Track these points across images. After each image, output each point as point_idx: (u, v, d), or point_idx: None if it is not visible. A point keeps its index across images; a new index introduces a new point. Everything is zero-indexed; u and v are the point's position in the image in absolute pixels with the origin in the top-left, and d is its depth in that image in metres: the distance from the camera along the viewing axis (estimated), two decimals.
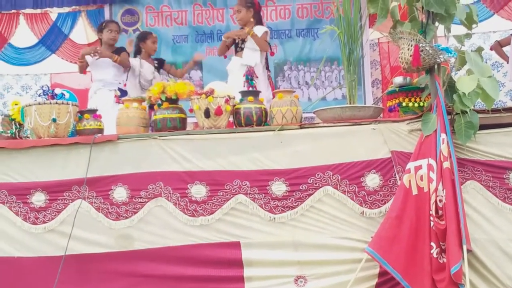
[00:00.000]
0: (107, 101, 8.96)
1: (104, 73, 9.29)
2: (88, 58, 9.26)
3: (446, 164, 5.67)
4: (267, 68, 9.03)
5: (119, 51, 9.43)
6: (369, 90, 11.05)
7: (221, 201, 6.26)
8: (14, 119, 7.05)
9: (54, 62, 12.10)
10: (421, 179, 5.76)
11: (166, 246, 6.29)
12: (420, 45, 5.86)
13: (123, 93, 9.24)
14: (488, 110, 6.05)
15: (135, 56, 9.76)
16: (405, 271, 5.67)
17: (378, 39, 11.85)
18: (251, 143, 6.33)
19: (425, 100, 6.32)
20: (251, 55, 8.62)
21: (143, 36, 9.92)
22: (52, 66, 12.26)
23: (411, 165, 5.83)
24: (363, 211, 6.10)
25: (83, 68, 9.41)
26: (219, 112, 6.44)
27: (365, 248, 5.81)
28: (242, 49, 8.78)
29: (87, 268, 6.35)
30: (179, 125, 6.67)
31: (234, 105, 6.62)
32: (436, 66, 5.99)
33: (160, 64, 10.05)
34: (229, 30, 10.80)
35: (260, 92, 7.05)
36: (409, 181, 5.78)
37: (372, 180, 6.12)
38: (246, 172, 6.28)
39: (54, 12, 12.03)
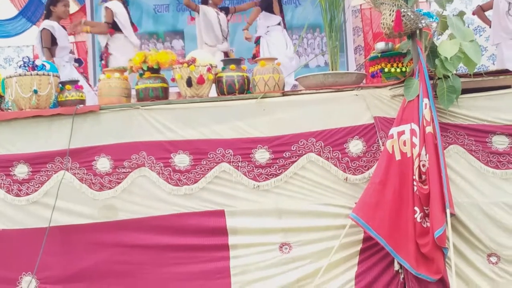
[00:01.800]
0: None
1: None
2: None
3: (429, 129, 5.68)
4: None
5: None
6: (351, 56, 11.07)
7: (205, 170, 6.26)
8: None
9: (35, 33, 12.00)
10: (404, 144, 5.77)
11: (150, 215, 6.30)
12: (402, 10, 5.85)
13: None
14: (470, 74, 6.06)
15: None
16: (389, 236, 5.70)
17: (360, 5, 11.86)
18: (234, 112, 6.32)
19: (407, 66, 6.33)
20: None
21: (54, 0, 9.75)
22: (34, 37, 12.16)
23: (394, 131, 5.84)
24: (346, 177, 6.11)
25: None
26: (201, 80, 6.42)
27: (349, 214, 5.83)
28: None
29: (72, 239, 6.35)
30: (161, 95, 6.65)
31: (216, 74, 6.59)
32: (418, 31, 5.99)
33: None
34: None
35: (242, 59, 7.03)
36: (392, 146, 5.80)
37: (355, 146, 6.12)
38: (229, 140, 6.27)
39: None
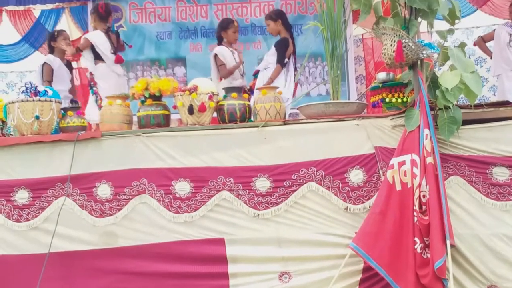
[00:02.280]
0: None
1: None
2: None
3: (429, 160, 5.69)
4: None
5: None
6: (353, 85, 11.07)
7: (205, 197, 6.26)
8: None
9: (38, 59, 12.03)
10: (405, 174, 5.77)
11: (150, 243, 6.29)
12: (403, 40, 5.88)
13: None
14: (471, 106, 6.07)
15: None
16: (389, 266, 5.68)
17: (362, 35, 11.87)
18: (235, 140, 6.33)
19: (408, 96, 6.35)
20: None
21: (53, 35, 9.77)
22: (36, 63, 12.17)
23: (394, 161, 5.84)
24: (347, 207, 6.11)
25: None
26: (202, 108, 6.44)
27: (349, 243, 5.81)
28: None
29: (71, 265, 6.34)
30: (163, 122, 6.66)
31: (218, 102, 6.61)
32: (419, 62, 6.01)
33: None
34: (213, 26, 10.82)
35: (243, 88, 7.06)
36: (393, 176, 5.79)
37: (356, 175, 6.13)
38: (230, 168, 6.28)
39: (37, 9, 11.98)
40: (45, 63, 9.41)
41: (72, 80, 9.82)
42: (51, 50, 9.65)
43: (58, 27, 11.62)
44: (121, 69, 9.47)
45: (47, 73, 9.28)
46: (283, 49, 8.70)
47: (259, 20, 10.98)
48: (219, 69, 8.86)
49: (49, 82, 9.16)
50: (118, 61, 9.23)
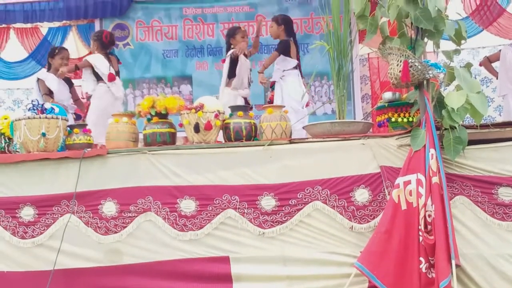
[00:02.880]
0: None
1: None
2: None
3: (435, 179, 5.68)
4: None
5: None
6: (358, 105, 11.08)
7: (211, 215, 6.26)
8: (3, 134, 7.02)
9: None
10: (410, 194, 5.77)
11: (155, 260, 6.28)
12: (409, 60, 5.89)
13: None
14: (476, 126, 6.07)
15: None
16: (394, 285, 5.67)
17: (368, 54, 11.90)
18: (241, 158, 6.34)
19: (414, 116, 6.35)
20: None
21: (52, 52, 9.82)
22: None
23: (400, 180, 5.84)
24: (352, 226, 6.10)
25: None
26: (208, 127, 6.45)
27: (354, 263, 5.81)
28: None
29: (76, 282, 6.34)
30: (169, 140, 6.68)
31: (224, 120, 6.62)
32: (425, 82, 6.02)
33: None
34: (220, 45, 10.92)
35: (249, 106, 7.08)
36: (398, 196, 5.79)
37: (361, 195, 6.12)
38: (235, 186, 6.28)
39: (44, 27, 12.05)
40: (38, 79, 9.53)
41: (73, 93, 9.77)
42: (49, 66, 9.70)
43: (65, 45, 11.67)
44: (122, 93, 9.53)
45: (43, 87, 9.35)
46: (283, 47, 8.81)
47: (265, 39, 10.99)
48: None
49: (48, 94, 9.19)
50: (111, 79, 9.26)
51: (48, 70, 9.67)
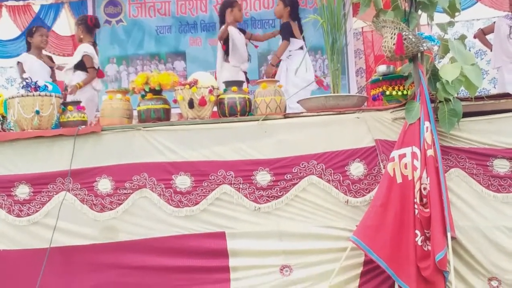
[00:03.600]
0: None
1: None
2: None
3: (430, 152, 5.68)
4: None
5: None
6: (353, 79, 11.07)
7: (206, 191, 6.26)
8: None
9: None
10: (405, 167, 5.77)
11: (151, 237, 6.29)
12: (403, 33, 5.87)
13: None
14: (471, 98, 6.06)
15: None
16: (390, 259, 5.68)
17: (362, 28, 11.91)
18: (235, 133, 6.33)
19: (408, 89, 6.33)
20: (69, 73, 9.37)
21: (30, 31, 9.74)
22: None
23: (395, 154, 5.84)
24: (347, 200, 6.11)
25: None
26: (203, 102, 6.44)
27: (350, 236, 5.81)
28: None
29: (72, 260, 6.35)
30: (163, 116, 6.66)
31: (218, 95, 6.61)
32: (419, 55, 6.00)
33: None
34: (213, 20, 10.91)
35: (244, 82, 7.08)
36: (394, 169, 5.79)
37: (357, 169, 6.13)
38: (230, 162, 6.28)
39: (36, 4, 12.01)
40: (18, 62, 9.51)
41: (53, 76, 9.70)
42: (28, 47, 9.65)
43: (57, 22, 11.72)
44: (101, 86, 9.51)
45: (21, 70, 9.31)
46: (287, 30, 8.82)
47: (258, 14, 10.99)
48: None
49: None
50: (100, 75, 9.27)
51: (28, 51, 9.62)
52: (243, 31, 9.60)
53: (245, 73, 9.26)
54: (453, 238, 5.62)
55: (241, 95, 6.60)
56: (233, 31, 9.16)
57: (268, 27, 10.80)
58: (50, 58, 9.90)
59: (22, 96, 6.54)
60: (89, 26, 9.39)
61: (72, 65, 9.28)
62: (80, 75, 9.19)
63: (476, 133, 6.00)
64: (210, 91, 6.48)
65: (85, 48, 9.32)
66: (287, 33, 8.97)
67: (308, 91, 8.14)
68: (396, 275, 5.68)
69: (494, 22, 10.34)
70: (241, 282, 6.17)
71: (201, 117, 6.49)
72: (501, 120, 6.02)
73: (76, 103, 6.91)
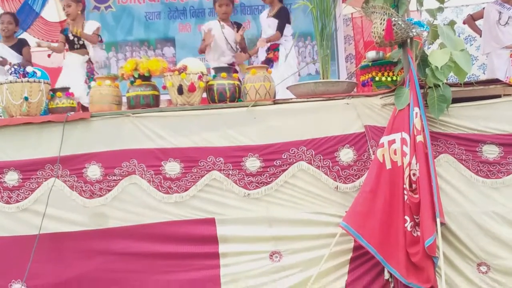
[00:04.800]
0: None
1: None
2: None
3: (419, 138, 5.70)
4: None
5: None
6: (342, 65, 11.05)
7: (195, 177, 6.26)
8: None
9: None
10: (395, 153, 5.79)
11: (140, 223, 6.29)
12: (393, 19, 5.87)
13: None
14: (460, 84, 6.07)
15: None
16: (379, 245, 5.70)
17: (352, 14, 11.89)
18: (225, 120, 6.32)
19: (398, 74, 6.33)
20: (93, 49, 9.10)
21: None
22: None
23: (384, 139, 5.86)
24: (337, 186, 6.12)
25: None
26: (192, 88, 6.42)
27: (340, 222, 5.83)
28: (81, 46, 9.06)
29: (62, 246, 6.34)
30: (152, 102, 6.65)
31: (208, 82, 6.59)
32: (408, 40, 6.01)
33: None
34: (202, 6, 10.85)
35: (233, 67, 7.05)
36: (383, 155, 5.81)
37: (346, 154, 6.13)
38: (220, 148, 6.28)
39: None
40: None
41: (25, 54, 9.44)
42: None
43: (46, 8, 11.68)
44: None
45: None
46: (287, 16, 8.77)
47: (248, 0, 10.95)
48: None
49: None
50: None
51: None
52: (238, 24, 9.47)
53: (230, 64, 9.15)
54: (442, 224, 5.64)
55: (231, 81, 6.59)
56: (215, 29, 9.09)
57: (257, 12, 10.75)
58: (23, 39, 9.76)
59: (11, 82, 6.50)
60: (83, 8, 9.32)
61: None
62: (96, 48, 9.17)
63: (465, 119, 6.02)
64: (200, 77, 6.47)
65: (94, 23, 9.28)
66: (285, 19, 8.89)
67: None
68: (385, 260, 5.70)
69: (484, 8, 10.33)
70: (231, 268, 6.19)
71: (191, 103, 6.48)
72: (490, 106, 6.03)
73: (65, 89, 6.88)
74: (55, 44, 9.37)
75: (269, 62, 8.69)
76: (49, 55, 9.33)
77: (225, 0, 9.11)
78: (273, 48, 8.84)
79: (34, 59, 9.73)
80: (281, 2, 8.97)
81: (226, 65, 8.03)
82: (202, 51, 9.23)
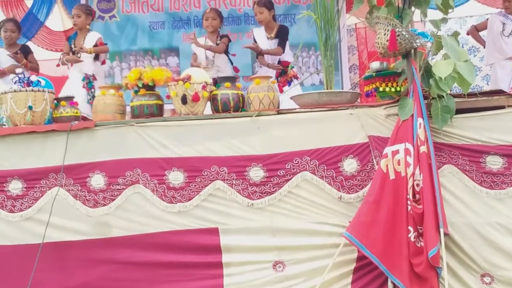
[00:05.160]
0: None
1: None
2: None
3: (423, 149, 5.69)
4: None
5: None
6: (346, 75, 11.06)
7: (199, 187, 6.26)
8: None
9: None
10: (398, 163, 5.78)
11: (144, 233, 6.29)
12: (397, 29, 5.87)
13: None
14: (464, 95, 6.07)
15: None
16: (383, 255, 5.70)
17: (355, 24, 11.91)
18: (229, 129, 6.33)
19: (401, 85, 6.34)
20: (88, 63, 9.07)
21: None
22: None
23: (388, 150, 5.85)
24: (340, 196, 6.11)
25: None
26: (196, 98, 6.43)
27: (343, 233, 5.83)
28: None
29: (65, 255, 6.34)
30: (156, 112, 6.66)
31: (211, 91, 6.60)
32: (412, 51, 6.01)
33: None
34: None
35: (237, 77, 7.07)
36: (387, 165, 5.80)
37: (350, 165, 6.13)
38: (223, 158, 6.28)
39: None
40: None
41: (30, 61, 9.50)
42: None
43: (50, 17, 11.70)
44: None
45: None
46: (287, 34, 8.78)
47: (252, 10, 10.95)
48: None
49: None
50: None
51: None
52: (225, 36, 9.43)
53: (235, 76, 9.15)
54: (446, 234, 5.63)
55: (234, 91, 6.60)
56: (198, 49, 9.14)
57: None
58: (26, 46, 9.77)
59: (15, 91, 6.52)
60: (92, 20, 9.34)
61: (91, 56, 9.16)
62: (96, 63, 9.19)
63: (469, 129, 6.02)
64: (204, 87, 6.48)
65: (95, 34, 9.29)
66: (286, 38, 8.90)
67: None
68: (389, 271, 5.69)
69: (487, 19, 10.33)
70: (234, 278, 6.18)
71: (194, 113, 6.49)
72: (494, 117, 6.03)
73: (69, 99, 6.89)
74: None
75: (288, 77, 8.66)
76: (58, 65, 9.36)
77: (210, 14, 9.13)
78: (287, 65, 8.82)
79: (43, 69, 9.74)
80: (275, 21, 8.97)
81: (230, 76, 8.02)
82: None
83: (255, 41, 8.97)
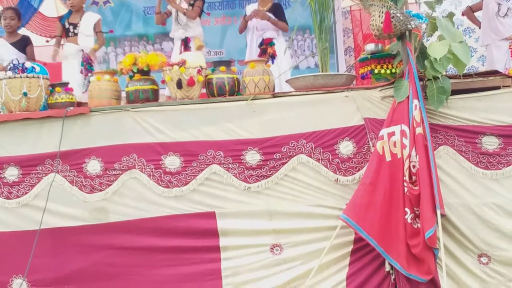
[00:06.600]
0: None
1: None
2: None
3: (419, 130, 5.69)
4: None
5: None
6: (341, 58, 11.07)
7: (195, 171, 6.26)
8: None
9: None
10: (394, 145, 5.78)
11: (141, 218, 6.30)
12: (391, 11, 5.86)
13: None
14: (459, 76, 6.07)
15: None
16: (380, 237, 5.71)
17: (350, 7, 11.87)
18: (224, 113, 6.32)
19: (397, 67, 6.33)
20: (86, 40, 8.98)
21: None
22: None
23: (384, 132, 5.85)
24: (337, 179, 6.12)
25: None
26: (191, 82, 6.42)
27: (340, 215, 5.83)
28: (75, 34, 9.02)
29: (62, 241, 6.35)
30: (152, 97, 6.65)
31: (207, 76, 6.59)
32: (407, 33, 6.00)
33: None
34: None
35: (232, 61, 7.05)
36: (383, 147, 5.81)
37: (346, 147, 6.13)
38: (219, 142, 6.28)
39: None
40: None
41: (28, 52, 9.47)
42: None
43: (44, 4, 11.59)
44: None
45: None
46: (282, 14, 8.81)
47: None
48: None
49: None
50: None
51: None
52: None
53: (183, 40, 9.15)
54: (442, 215, 5.64)
55: (229, 75, 6.59)
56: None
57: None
58: (27, 37, 9.75)
59: (10, 78, 6.51)
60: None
61: (91, 31, 9.14)
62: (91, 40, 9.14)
63: (465, 110, 6.02)
64: (199, 71, 6.47)
65: (94, 15, 9.29)
66: (283, 14, 8.90)
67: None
68: (386, 252, 5.71)
69: (483, 0, 10.32)
70: (232, 261, 6.20)
71: (190, 98, 6.48)
72: (490, 98, 6.03)
73: (64, 85, 6.87)
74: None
75: (267, 56, 8.68)
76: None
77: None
78: (268, 43, 8.83)
79: (38, 55, 9.70)
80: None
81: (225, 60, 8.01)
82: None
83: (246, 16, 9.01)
